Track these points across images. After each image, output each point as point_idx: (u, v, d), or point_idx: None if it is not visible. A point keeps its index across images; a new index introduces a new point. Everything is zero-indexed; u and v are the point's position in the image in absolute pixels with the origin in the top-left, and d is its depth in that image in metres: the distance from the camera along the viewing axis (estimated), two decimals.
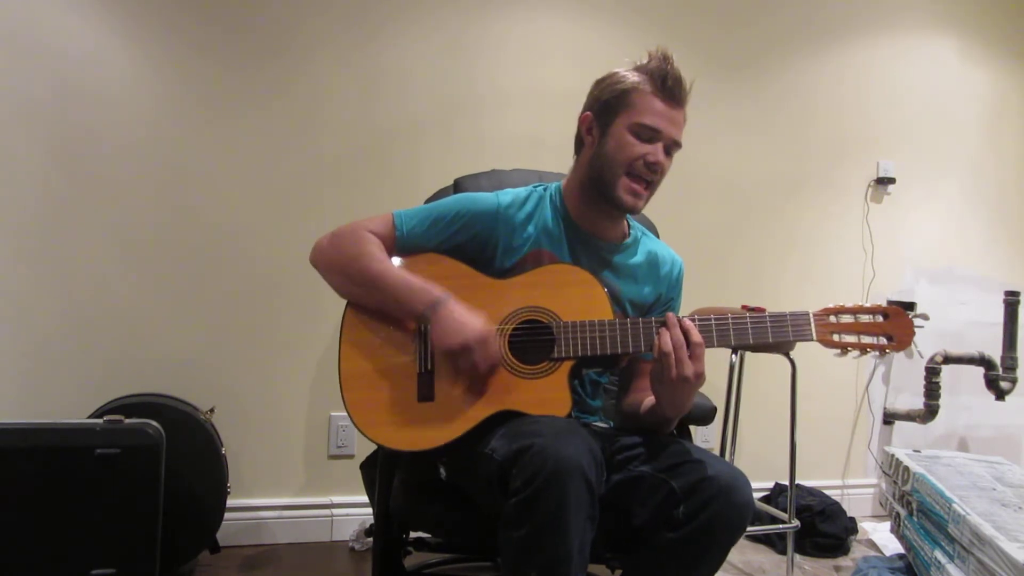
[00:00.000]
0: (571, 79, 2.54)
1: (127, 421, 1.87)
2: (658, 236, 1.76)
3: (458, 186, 1.88)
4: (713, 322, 1.35)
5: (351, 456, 2.52)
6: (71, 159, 2.26)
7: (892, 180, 3.13)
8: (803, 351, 2.02)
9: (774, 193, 3.02)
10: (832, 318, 1.36)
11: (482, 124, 2.63)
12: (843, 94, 3.10)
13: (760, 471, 2.74)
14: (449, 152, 2.58)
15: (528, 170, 1.93)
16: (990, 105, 3.32)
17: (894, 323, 1.35)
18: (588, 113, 1.48)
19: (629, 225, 1.60)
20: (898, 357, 3.17)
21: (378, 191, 2.52)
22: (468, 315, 1.36)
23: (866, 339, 1.35)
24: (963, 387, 3.20)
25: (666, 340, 1.30)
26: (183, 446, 2.05)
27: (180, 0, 2.34)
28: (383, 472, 1.56)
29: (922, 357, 3.08)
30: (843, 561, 2.61)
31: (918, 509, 2.24)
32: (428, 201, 1.71)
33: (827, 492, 2.85)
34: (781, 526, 2.49)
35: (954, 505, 2.07)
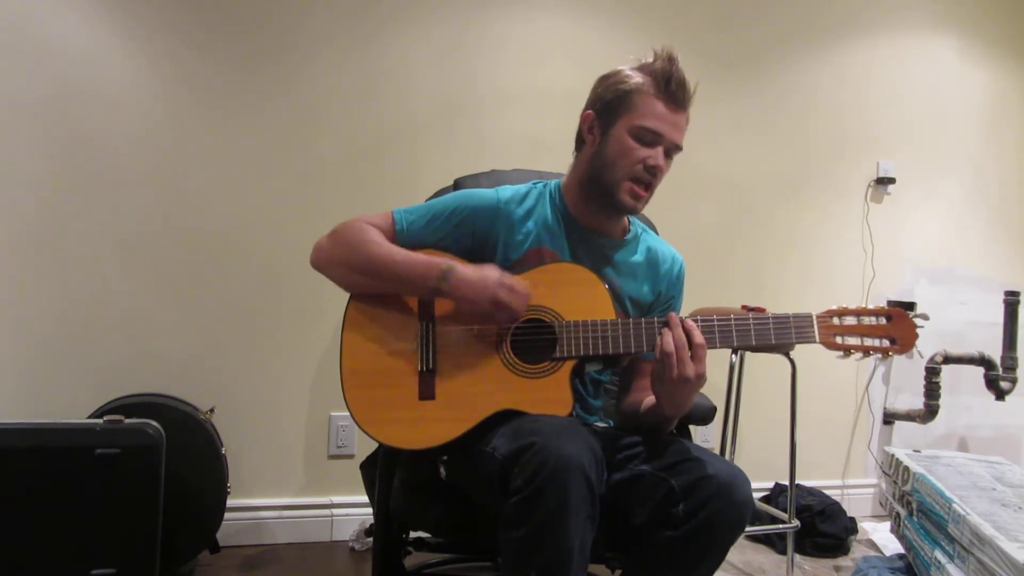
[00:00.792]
0: (571, 79, 2.55)
1: (127, 421, 1.87)
2: (657, 234, 1.76)
3: (458, 186, 1.88)
4: (716, 323, 1.35)
5: (351, 456, 2.52)
6: (71, 159, 2.26)
7: (892, 180, 3.13)
8: (803, 351, 2.02)
9: (774, 193, 3.02)
10: (835, 320, 1.35)
11: (482, 124, 2.63)
12: (843, 94, 3.10)
13: (760, 471, 2.74)
14: (449, 152, 2.58)
15: (528, 170, 1.93)
16: (990, 105, 3.32)
17: (897, 325, 1.35)
18: (590, 112, 1.47)
19: (629, 221, 1.59)
20: (898, 357, 3.16)
21: (378, 191, 2.52)
22: (481, 271, 1.37)
23: (869, 341, 1.35)
24: (963, 387, 3.20)
25: (668, 340, 1.29)
26: (183, 446, 2.05)
27: (180, 0, 2.34)
28: (383, 472, 1.56)
29: (922, 357, 3.08)
30: (843, 561, 2.61)
31: (918, 509, 2.24)
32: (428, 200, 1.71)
33: (827, 492, 2.85)
34: (781, 526, 2.49)
35: (954, 505, 2.07)
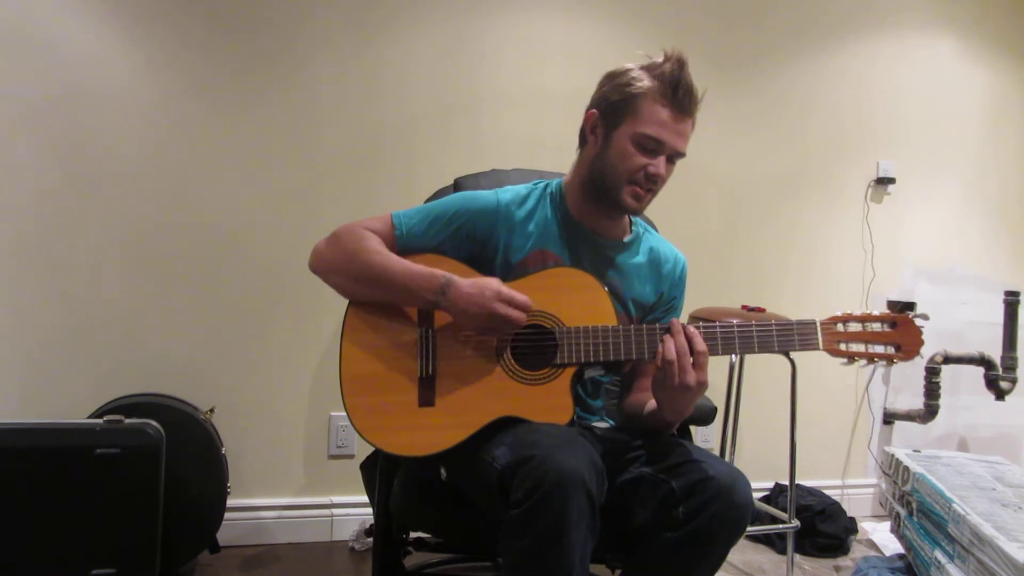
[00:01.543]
0: (570, 79, 2.54)
1: (127, 421, 1.87)
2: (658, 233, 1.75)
3: (458, 186, 1.87)
4: (718, 330, 1.33)
5: (351, 456, 2.52)
6: (71, 159, 2.26)
7: (892, 180, 3.13)
8: (804, 351, 2.02)
9: (774, 193, 3.02)
10: (839, 326, 1.33)
11: (481, 124, 2.63)
12: (843, 94, 3.10)
13: (760, 471, 2.74)
14: (449, 152, 2.58)
15: (528, 170, 1.92)
16: (990, 105, 3.32)
17: (903, 332, 1.33)
18: (594, 111, 1.45)
19: (631, 221, 1.58)
20: None
21: (378, 191, 2.51)
22: (479, 284, 1.35)
23: (874, 348, 1.32)
24: (963, 387, 3.20)
25: (670, 348, 1.29)
26: (183, 446, 2.05)
27: (180, 0, 2.34)
28: (383, 472, 1.56)
29: (922, 357, 3.06)
30: (843, 561, 2.61)
31: (918, 509, 2.24)
32: (428, 201, 1.70)
33: (827, 492, 2.85)
34: (781, 526, 2.49)
35: (954, 505, 2.07)
